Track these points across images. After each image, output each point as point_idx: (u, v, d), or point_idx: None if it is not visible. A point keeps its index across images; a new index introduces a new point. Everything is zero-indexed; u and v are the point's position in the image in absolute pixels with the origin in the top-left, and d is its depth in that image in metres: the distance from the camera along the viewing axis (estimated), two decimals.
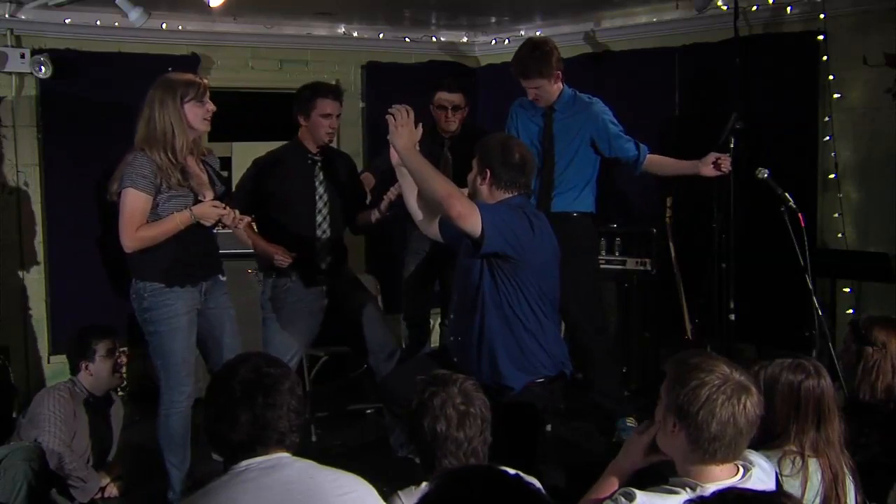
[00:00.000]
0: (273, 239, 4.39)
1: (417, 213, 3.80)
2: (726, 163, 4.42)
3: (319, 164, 4.49)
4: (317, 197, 4.47)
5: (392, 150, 3.61)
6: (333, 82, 6.20)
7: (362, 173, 5.05)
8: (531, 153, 3.63)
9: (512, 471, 1.62)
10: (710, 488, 2.09)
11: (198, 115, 3.71)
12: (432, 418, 2.37)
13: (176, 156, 3.63)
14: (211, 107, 3.75)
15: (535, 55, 4.49)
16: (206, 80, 3.81)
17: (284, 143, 4.63)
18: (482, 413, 2.42)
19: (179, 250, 3.68)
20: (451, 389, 2.41)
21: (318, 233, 4.47)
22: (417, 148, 3.47)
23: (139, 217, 3.60)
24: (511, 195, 3.49)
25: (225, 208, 3.71)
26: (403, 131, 3.42)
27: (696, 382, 2.12)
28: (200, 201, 3.71)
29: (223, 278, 3.95)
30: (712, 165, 4.43)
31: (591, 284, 4.70)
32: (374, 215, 4.52)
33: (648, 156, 4.62)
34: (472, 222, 3.25)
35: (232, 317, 3.96)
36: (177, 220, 3.63)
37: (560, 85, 4.59)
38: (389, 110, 3.45)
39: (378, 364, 4.56)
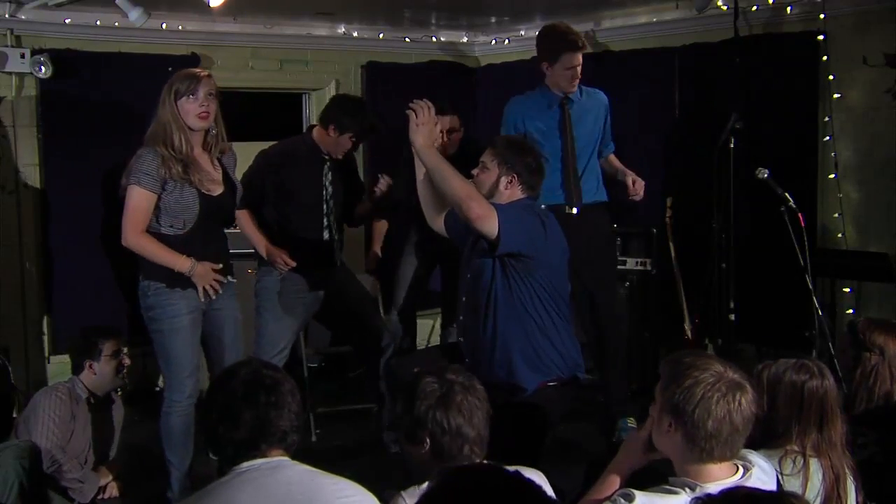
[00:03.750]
0: (277, 231, 4.44)
1: (428, 207, 3.81)
2: (638, 186, 4.52)
3: (328, 163, 4.55)
4: (325, 195, 4.53)
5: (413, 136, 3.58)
6: (333, 82, 6.26)
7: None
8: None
9: (527, 472, 1.62)
10: (709, 488, 2.09)
11: (189, 111, 3.64)
12: (451, 413, 2.33)
13: (174, 151, 3.61)
14: (205, 102, 3.64)
15: (579, 34, 4.58)
16: (205, 73, 3.73)
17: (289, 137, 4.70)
18: (480, 403, 2.39)
19: (187, 252, 3.67)
20: (447, 378, 2.39)
21: (324, 228, 4.54)
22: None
23: (141, 215, 3.61)
24: (524, 196, 3.53)
25: (221, 282, 3.70)
26: (423, 129, 3.39)
27: (691, 381, 2.13)
28: (208, 196, 3.70)
29: (232, 280, 3.94)
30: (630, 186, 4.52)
31: (615, 273, 4.78)
32: (367, 206, 4.68)
33: (610, 155, 4.80)
34: (490, 225, 3.28)
35: (237, 319, 3.96)
36: (175, 260, 3.62)
37: None
38: (411, 105, 3.42)
39: (370, 357, 4.66)
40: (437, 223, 3.78)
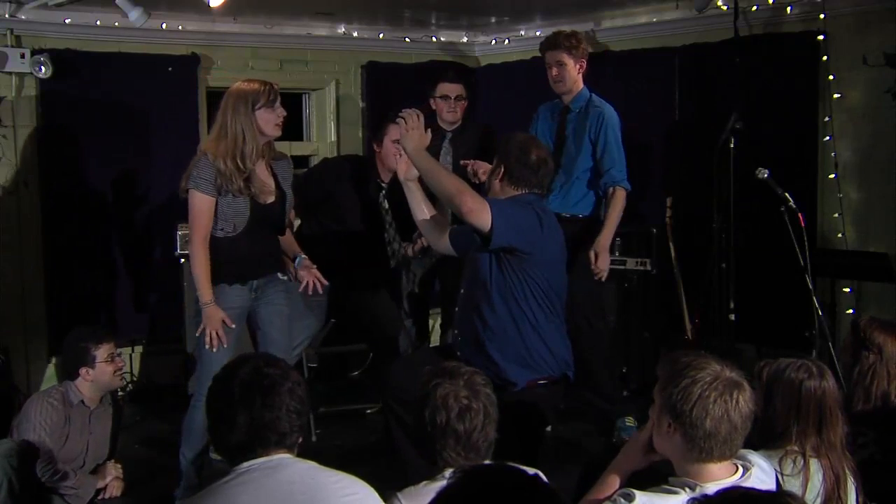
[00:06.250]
0: (319, 243, 4.43)
1: (428, 232, 3.84)
2: (601, 263, 4.49)
3: (385, 191, 4.59)
4: (386, 224, 4.64)
5: (399, 166, 3.70)
6: (333, 82, 6.26)
7: None
8: (550, 156, 3.66)
9: (531, 470, 1.62)
10: (709, 487, 2.09)
11: (269, 120, 3.75)
12: (433, 409, 2.36)
13: (244, 162, 3.68)
14: (282, 111, 3.79)
15: (564, 34, 4.66)
16: (277, 85, 3.83)
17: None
18: (486, 409, 2.39)
19: (233, 250, 3.74)
20: (456, 382, 2.39)
21: (389, 252, 4.70)
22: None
23: (206, 219, 3.69)
24: (521, 192, 3.54)
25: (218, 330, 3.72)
26: (413, 135, 3.50)
27: (688, 381, 2.14)
28: (260, 205, 3.76)
29: (283, 277, 3.99)
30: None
31: (591, 286, 4.69)
32: (406, 252, 4.71)
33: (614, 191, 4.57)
34: (483, 217, 3.31)
35: (283, 314, 3.97)
36: (204, 288, 3.67)
37: (581, 83, 4.66)
38: (400, 114, 3.52)
39: (385, 358, 4.65)
40: (443, 243, 3.77)
